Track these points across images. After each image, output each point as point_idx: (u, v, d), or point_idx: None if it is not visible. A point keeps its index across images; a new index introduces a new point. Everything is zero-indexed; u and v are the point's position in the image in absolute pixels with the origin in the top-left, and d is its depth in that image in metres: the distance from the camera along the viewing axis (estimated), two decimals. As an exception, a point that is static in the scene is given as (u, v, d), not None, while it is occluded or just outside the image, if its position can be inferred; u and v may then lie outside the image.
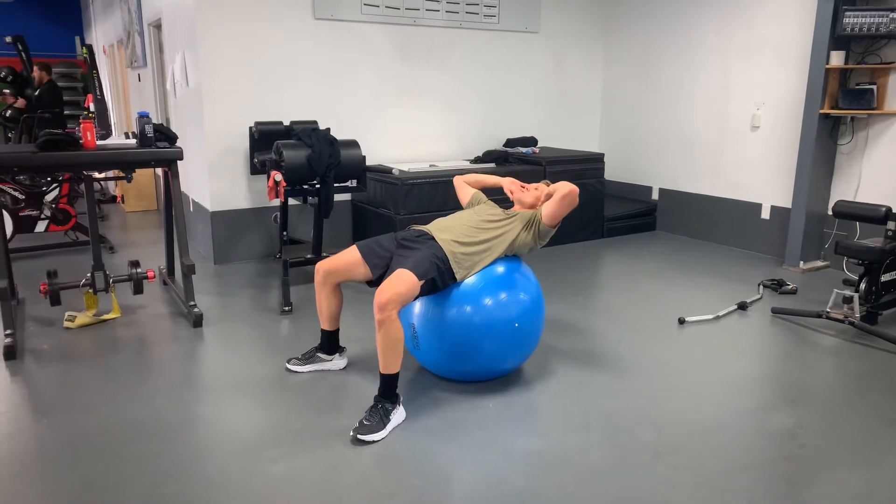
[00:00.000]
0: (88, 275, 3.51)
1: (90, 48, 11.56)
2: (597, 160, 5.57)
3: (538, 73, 5.98)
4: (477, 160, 5.40)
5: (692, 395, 2.79)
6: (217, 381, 2.94)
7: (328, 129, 4.03)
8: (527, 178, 4.93)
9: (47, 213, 5.03)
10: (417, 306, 2.75)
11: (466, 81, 5.58)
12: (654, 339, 3.43)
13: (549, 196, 2.86)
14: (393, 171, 4.24)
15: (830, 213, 4.51)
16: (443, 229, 2.76)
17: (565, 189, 2.77)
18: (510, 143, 5.75)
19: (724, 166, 5.37)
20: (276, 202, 4.50)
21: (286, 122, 4.49)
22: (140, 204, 6.92)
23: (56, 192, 5.07)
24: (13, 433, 2.45)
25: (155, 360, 3.13)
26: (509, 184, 3.05)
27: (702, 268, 4.79)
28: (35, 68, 8.14)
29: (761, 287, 4.21)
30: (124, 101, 8.60)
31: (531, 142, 5.77)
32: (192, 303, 3.59)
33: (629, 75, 6.14)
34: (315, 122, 4.47)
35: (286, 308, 3.75)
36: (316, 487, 2.12)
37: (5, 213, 4.80)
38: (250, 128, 4.46)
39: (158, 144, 3.50)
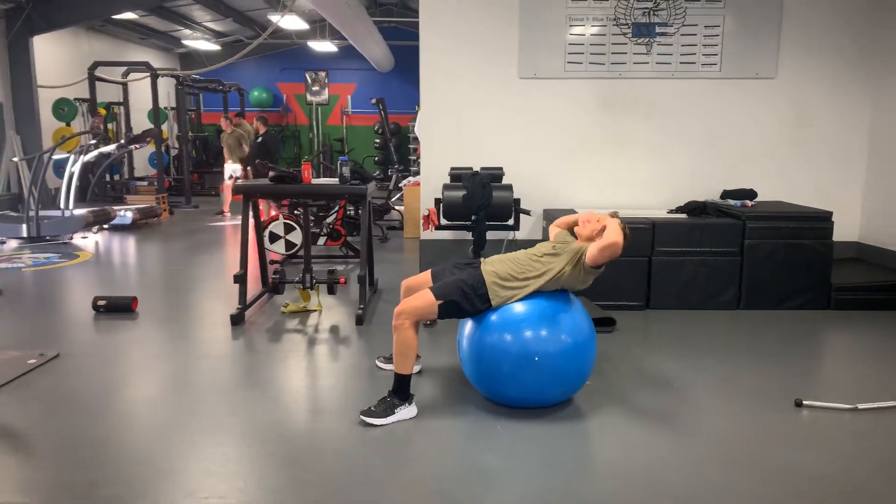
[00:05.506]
0: (300, 276, 4.76)
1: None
2: (820, 219, 4.87)
3: (770, 122, 5.48)
4: (678, 209, 5.27)
5: (712, 472, 2.56)
6: (331, 362, 3.81)
7: (490, 174, 4.61)
8: (721, 231, 4.84)
9: (326, 231, 6.69)
10: (468, 327, 3.16)
11: (676, 131, 5.49)
12: (746, 414, 3.09)
13: (603, 229, 2.98)
14: (530, 213, 4.59)
15: None
16: (493, 262, 3.11)
17: (609, 240, 2.89)
18: (726, 194, 5.40)
19: None
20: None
21: (478, 167, 5.20)
22: (414, 231, 8.39)
23: (333, 216, 6.71)
24: (202, 366, 3.69)
25: (315, 340, 4.16)
26: (582, 216, 3.21)
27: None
28: (255, 120, 9.22)
29: (969, 390, 3.28)
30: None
31: (749, 195, 5.32)
32: (361, 306, 4.54)
33: (899, 122, 5.16)
34: (500, 169, 5.08)
35: (426, 323, 4.43)
36: (316, 443, 2.77)
37: (299, 230, 6.58)
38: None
39: (353, 182, 4.57)
